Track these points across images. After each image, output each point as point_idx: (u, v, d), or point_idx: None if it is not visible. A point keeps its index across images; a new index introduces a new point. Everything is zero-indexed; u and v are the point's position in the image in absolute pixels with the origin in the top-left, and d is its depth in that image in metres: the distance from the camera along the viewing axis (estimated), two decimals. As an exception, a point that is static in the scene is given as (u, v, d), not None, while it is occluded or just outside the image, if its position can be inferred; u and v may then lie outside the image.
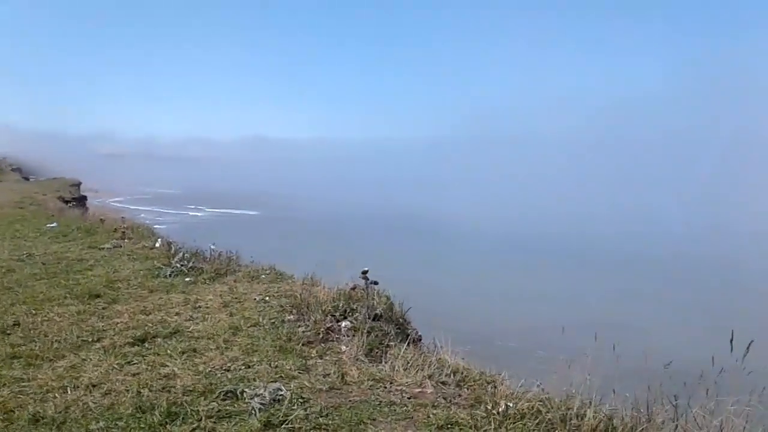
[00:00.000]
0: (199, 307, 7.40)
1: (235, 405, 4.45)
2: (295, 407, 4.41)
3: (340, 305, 6.84)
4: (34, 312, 7.16)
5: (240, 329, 6.37)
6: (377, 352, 5.84)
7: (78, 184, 64.59)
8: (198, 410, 4.31)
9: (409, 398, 4.72)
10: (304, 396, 4.64)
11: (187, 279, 9.04)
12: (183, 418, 4.23)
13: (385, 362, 5.53)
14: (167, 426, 4.14)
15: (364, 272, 7.30)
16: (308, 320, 6.56)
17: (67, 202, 39.31)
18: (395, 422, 4.30)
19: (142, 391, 4.69)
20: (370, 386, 4.94)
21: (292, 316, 6.83)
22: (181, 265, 9.60)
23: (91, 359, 5.51)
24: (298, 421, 4.20)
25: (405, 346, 5.87)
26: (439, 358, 5.65)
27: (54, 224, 16.67)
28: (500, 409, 4.36)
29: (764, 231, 79.15)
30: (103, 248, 12.10)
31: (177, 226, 61.87)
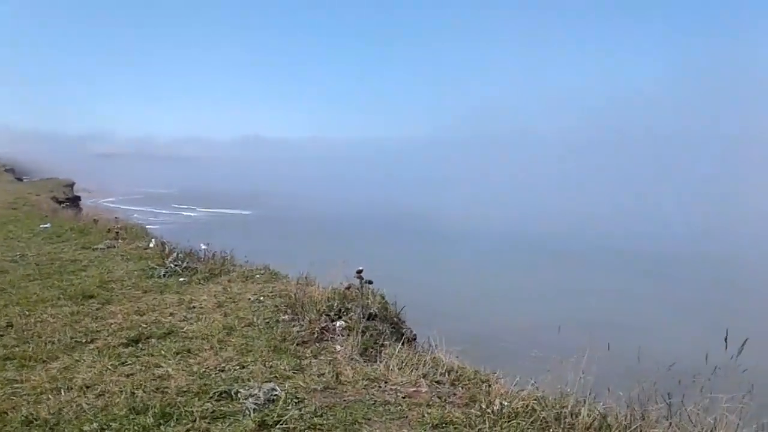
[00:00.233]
0: (194, 307, 7.38)
1: (230, 405, 4.44)
2: (290, 407, 4.40)
3: (335, 305, 6.83)
4: (27, 313, 7.12)
5: (234, 329, 6.36)
6: (372, 352, 5.84)
7: (72, 185, 64.41)
8: (192, 411, 4.30)
9: (403, 397, 4.72)
10: (298, 396, 4.63)
11: (181, 279, 9.02)
12: (177, 419, 4.21)
13: (380, 362, 5.53)
14: (161, 427, 4.12)
15: (359, 271, 7.30)
16: (303, 320, 6.55)
17: (60, 202, 39.21)
18: (390, 422, 4.30)
19: (136, 392, 4.67)
20: (365, 386, 4.94)
21: (286, 316, 6.82)
22: (175, 266, 9.58)
23: (84, 360, 5.49)
24: (293, 421, 4.19)
25: (400, 346, 5.87)
26: (434, 357, 5.65)
27: (47, 225, 16.61)
28: (495, 408, 4.36)
29: (762, 230, 79.43)
30: (96, 249, 12.07)
31: (171, 226, 61.71)
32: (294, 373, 5.15)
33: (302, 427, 4.14)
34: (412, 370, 5.26)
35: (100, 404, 4.50)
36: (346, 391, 4.81)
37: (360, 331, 6.09)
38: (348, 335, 6.12)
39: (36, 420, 4.27)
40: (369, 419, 4.31)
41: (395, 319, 7.12)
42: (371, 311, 6.76)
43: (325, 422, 4.21)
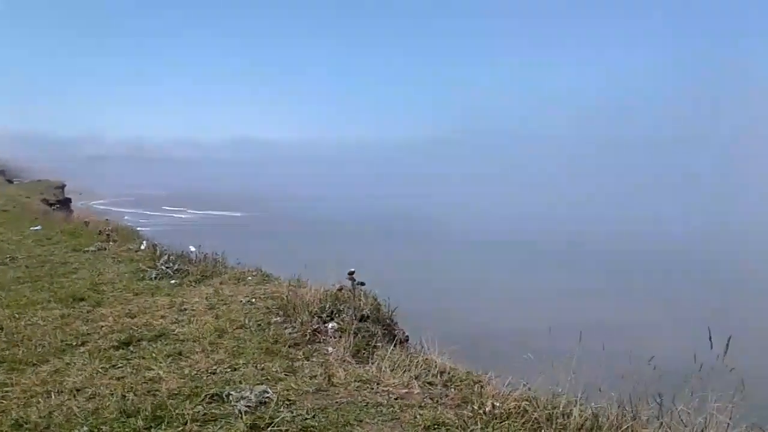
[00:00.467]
0: (185, 309, 7.35)
1: (221, 408, 4.42)
2: (282, 409, 4.39)
3: (327, 306, 6.82)
4: (17, 316, 7.08)
5: (226, 331, 6.34)
6: (364, 353, 5.83)
7: (62, 187, 64.15)
8: (183, 414, 4.28)
9: (395, 399, 4.72)
10: (290, 398, 4.62)
11: (172, 281, 8.99)
12: (168, 422, 4.19)
13: (372, 363, 5.52)
14: (152, 430, 4.10)
15: (351, 273, 7.30)
16: (295, 322, 6.54)
17: (51, 204, 39.04)
18: (382, 423, 4.29)
19: (126, 394, 4.65)
20: (357, 387, 4.93)
21: (278, 318, 6.81)
22: (167, 268, 9.55)
23: (75, 363, 5.46)
24: (285, 423, 4.18)
25: (392, 347, 5.87)
26: (426, 359, 5.65)
27: (38, 227, 16.54)
28: (487, 409, 4.37)
29: (758, 229, 79.90)
30: (87, 251, 12.02)
31: (162, 228, 61.50)
32: (286, 375, 5.14)
33: (294, 430, 4.13)
34: (404, 372, 5.26)
35: (90, 407, 4.47)
36: (338, 393, 4.80)
37: (352, 332, 6.09)
38: (340, 337, 6.11)
39: (26, 423, 4.24)
40: (361, 421, 4.31)
41: (387, 320, 7.12)
42: (363, 313, 6.75)
43: (317, 424, 4.20)
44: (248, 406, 4.37)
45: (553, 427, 4.14)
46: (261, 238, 61.54)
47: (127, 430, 4.10)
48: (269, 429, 4.11)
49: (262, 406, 4.41)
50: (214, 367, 5.28)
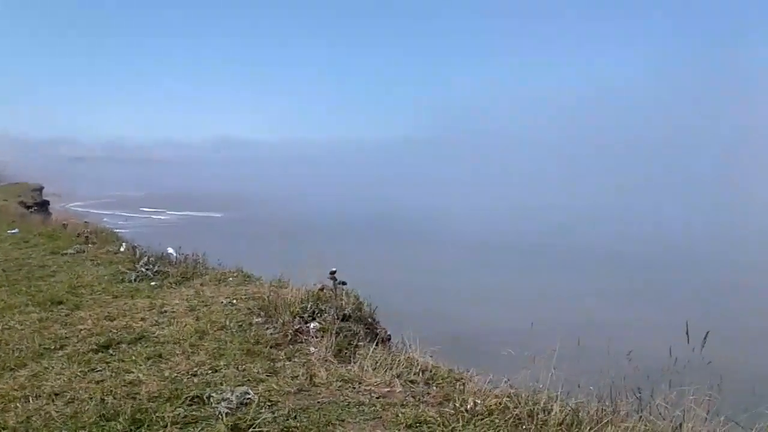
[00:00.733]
0: (165, 311, 7.30)
1: (202, 410, 4.40)
2: (263, 410, 4.37)
3: (309, 306, 6.80)
4: (-6, 320, 6.99)
5: (206, 333, 6.30)
6: (346, 353, 5.83)
7: (40, 189, 63.40)
8: (164, 416, 4.25)
9: (377, 398, 4.72)
10: (272, 399, 4.60)
11: (152, 283, 8.92)
12: (148, 425, 4.16)
13: (354, 362, 5.52)
14: (132, 433, 4.07)
15: (332, 272, 7.29)
16: (276, 322, 6.52)
17: (28, 207, 38.56)
18: (364, 422, 4.30)
19: (106, 398, 4.61)
20: (339, 387, 4.93)
21: (259, 319, 6.78)
22: (147, 270, 9.47)
23: (53, 367, 5.40)
24: (266, 424, 4.17)
25: (374, 346, 5.87)
26: (408, 357, 5.66)
27: (15, 230, 16.35)
28: (468, 406, 4.38)
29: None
30: (65, 254, 11.89)
31: (142, 229, 60.98)
32: (267, 376, 5.12)
33: (275, 430, 4.12)
34: (386, 370, 5.26)
35: (69, 411, 4.42)
36: (320, 393, 4.79)
37: (334, 332, 6.08)
38: (322, 337, 6.10)
39: (4, 429, 4.19)
40: (343, 420, 4.31)
41: (369, 319, 7.12)
42: (345, 312, 6.75)
43: (298, 425, 4.19)
44: (229, 408, 4.35)
45: (534, 423, 4.17)
46: (242, 239, 61.25)
47: (106, 433, 4.06)
48: (250, 430, 4.10)
49: (244, 408, 4.40)
50: (195, 369, 5.25)
